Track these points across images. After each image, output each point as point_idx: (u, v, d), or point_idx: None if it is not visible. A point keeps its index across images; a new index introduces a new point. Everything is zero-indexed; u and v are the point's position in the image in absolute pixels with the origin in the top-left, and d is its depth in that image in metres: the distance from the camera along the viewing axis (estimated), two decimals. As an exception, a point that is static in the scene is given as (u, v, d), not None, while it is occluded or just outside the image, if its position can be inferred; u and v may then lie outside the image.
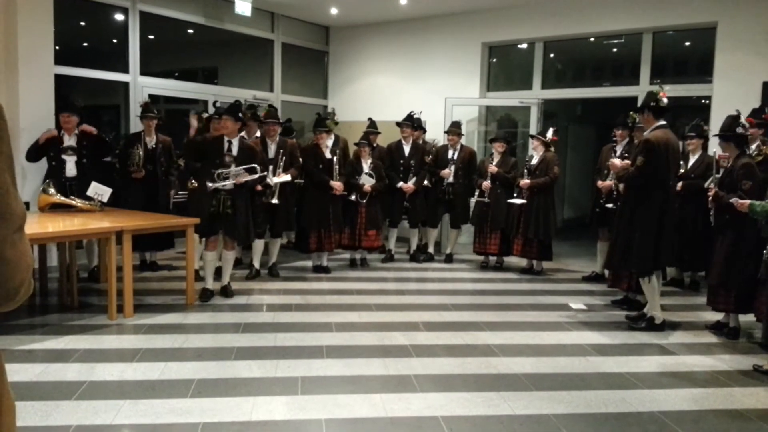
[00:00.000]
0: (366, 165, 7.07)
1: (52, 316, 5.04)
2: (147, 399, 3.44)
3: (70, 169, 5.95)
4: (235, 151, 5.53)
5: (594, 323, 5.29)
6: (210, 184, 5.38)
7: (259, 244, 6.53)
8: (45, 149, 5.89)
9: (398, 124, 7.59)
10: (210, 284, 5.71)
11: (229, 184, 5.41)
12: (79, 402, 3.37)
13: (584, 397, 3.67)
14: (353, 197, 6.99)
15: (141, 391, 3.57)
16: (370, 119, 7.76)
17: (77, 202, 5.61)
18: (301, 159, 6.74)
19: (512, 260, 7.60)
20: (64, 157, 5.91)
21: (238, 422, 3.20)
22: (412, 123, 7.58)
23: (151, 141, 6.46)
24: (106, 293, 5.14)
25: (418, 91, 9.25)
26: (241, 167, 5.46)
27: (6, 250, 1.13)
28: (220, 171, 5.40)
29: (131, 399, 3.43)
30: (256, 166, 5.51)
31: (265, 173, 5.47)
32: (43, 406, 3.31)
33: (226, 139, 5.55)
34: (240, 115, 5.62)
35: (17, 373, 3.74)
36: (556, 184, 7.18)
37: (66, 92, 6.56)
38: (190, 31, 8.60)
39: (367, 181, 6.97)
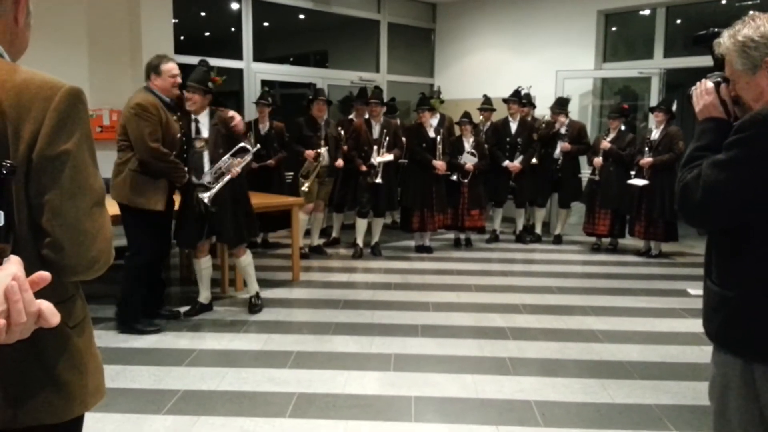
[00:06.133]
0: (468, 144, 6.94)
1: (171, 289, 5.45)
2: (249, 368, 3.65)
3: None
4: (205, 132, 4.34)
5: (715, 311, 4.86)
6: (202, 195, 4.17)
7: (362, 224, 6.65)
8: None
9: (505, 100, 7.37)
10: (204, 296, 4.72)
11: (225, 180, 4.24)
12: (188, 368, 3.64)
13: (693, 387, 3.40)
14: (455, 177, 6.90)
15: (245, 360, 3.78)
16: (485, 96, 7.59)
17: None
18: (404, 138, 6.76)
19: (627, 242, 7.17)
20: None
21: (331, 394, 3.31)
22: (519, 99, 7.33)
23: (264, 128, 6.73)
24: (219, 268, 5.48)
25: (528, 65, 8.89)
26: (227, 155, 4.27)
27: (85, 221, 1.23)
28: (209, 168, 4.28)
29: (235, 367, 3.65)
30: (244, 144, 4.33)
31: (258, 146, 4.12)
32: (156, 370, 3.60)
33: (193, 117, 4.36)
34: (210, 84, 4.34)
35: (136, 340, 4.10)
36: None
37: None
38: (301, 16, 8.84)
39: (468, 160, 6.85)
